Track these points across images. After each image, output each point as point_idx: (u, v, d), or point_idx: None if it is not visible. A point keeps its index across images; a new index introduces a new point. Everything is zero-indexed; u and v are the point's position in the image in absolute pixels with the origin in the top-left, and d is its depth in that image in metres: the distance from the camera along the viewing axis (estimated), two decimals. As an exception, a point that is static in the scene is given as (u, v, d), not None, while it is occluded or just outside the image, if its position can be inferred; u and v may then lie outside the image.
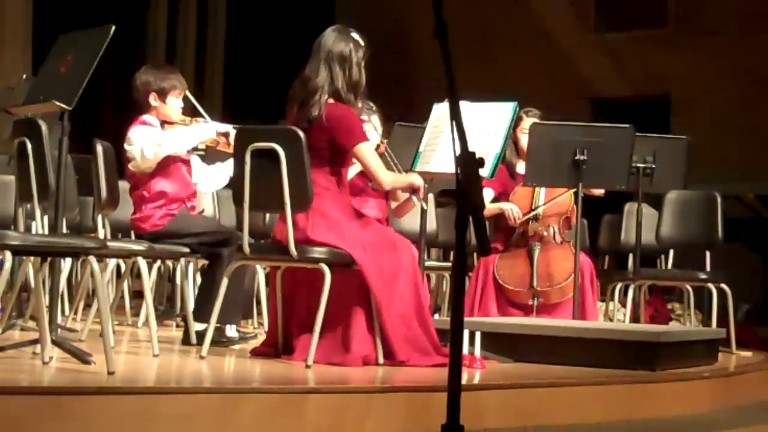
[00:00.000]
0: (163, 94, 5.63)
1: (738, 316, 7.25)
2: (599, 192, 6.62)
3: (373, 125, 5.61)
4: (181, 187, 5.60)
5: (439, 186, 5.60)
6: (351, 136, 4.87)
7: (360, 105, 5.05)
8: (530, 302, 6.50)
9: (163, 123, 5.68)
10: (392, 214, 6.15)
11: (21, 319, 5.77)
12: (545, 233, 6.68)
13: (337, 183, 4.97)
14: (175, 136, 5.55)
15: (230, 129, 5.52)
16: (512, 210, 6.68)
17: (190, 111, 5.85)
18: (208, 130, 5.63)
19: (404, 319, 4.83)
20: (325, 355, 4.77)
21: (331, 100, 4.91)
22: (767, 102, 11.40)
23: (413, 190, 5.07)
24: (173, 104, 5.67)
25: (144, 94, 5.62)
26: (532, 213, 6.67)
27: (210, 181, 5.94)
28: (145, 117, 5.62)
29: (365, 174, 5.20)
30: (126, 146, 5.54)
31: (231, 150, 5.58)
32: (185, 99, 5.74)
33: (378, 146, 5.43)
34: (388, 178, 4.99)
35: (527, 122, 6.63)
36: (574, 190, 6.31)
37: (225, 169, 5.86)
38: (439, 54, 2.68)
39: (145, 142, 5.47)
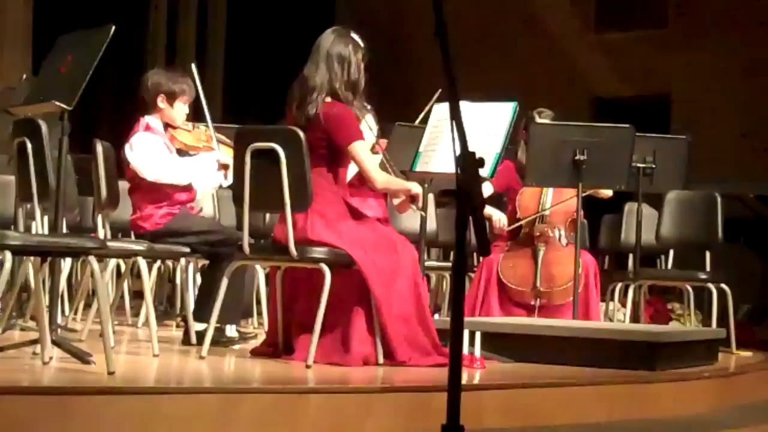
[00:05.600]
0: (172, 98, 5.64)
1: (738, 316, 7.25)
2: (607, 194, 6.61)
3: (368, 125, 5.60)
4: (182, 190, 5.60)
5: (439, 186, 5.60)
6: (346, 134, 4.87)
7: (358, 105, 5.04)
8: (533, 302, 6.50)
9: (166, 126, 5.69)
10: (394, 210, 6.14)
11: (21, 319, 5.77)
12: (551, 234, 6.67)
13: (335, 182, 4.97)
14: (179, 169, 5.56)
15: (230, 161, 5.50)
16: (500, 220, 6.73)
17: (192, 116, 5.88)
18: (211, 163, 5.66)
19: (404, 319, 4.82)
20: (325, 355, 4.77)
21: (329, 99, 4.92)
22: (767, 102, 11.40)
23: (412, 198, 5.03)
24: (179, 109, 5.68)
25: (153, 95, 5.63)
26: (539, 213, 6.67)
27: (203, 183, 5.92)
28: (149, 119, 5.62)
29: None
30: (127, 151, 5.53)
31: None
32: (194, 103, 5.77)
33: (373, 146, 5.42)
34: (380, 178, 4.97)
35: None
36: (577, 193, 6.31)
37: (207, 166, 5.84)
38: (439, 54, 2.68)
39: (148, 160, 5.47)
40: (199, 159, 5.68)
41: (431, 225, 6.83)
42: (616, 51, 12.44)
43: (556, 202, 6.66)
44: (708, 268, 6.77)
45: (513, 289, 6.53)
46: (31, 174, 4.57)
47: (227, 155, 5.61)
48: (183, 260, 5.80)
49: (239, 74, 12.82)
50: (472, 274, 6.71)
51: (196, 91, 5.74)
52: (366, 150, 4.98)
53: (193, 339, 5.43)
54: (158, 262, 7.07)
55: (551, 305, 6.50)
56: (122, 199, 5.68)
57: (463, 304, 2.83)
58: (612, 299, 7.43)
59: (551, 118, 6.71)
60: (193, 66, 5.86)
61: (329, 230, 4.85)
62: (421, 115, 6.04)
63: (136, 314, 6.82)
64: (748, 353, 6.58)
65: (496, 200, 7.04)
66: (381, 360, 4.80)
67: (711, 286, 6.63)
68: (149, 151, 5.51)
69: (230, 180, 5.60)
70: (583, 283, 6.33)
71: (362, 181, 5.54)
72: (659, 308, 8.12)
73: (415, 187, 5.00)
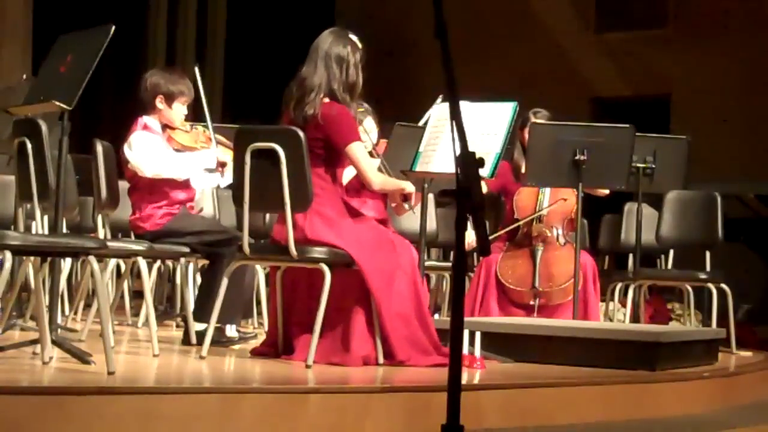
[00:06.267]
0: (170, 99, 5.64)
1: (738, 316, 7.25)
2: (604, 192, 6.62)
3: (365, 129, 5.60)
4: (182, 189, 5.60)
5: (439, 186, 5.59)
6: (344, 135, 4.87)
7: (355, 106, 5.04)
8: (532, 302, 6.50)
9: (165, 126, 5.69)
10: (393, 212, 6.14)
11: (21, 319, 5.77)
12: (549, 234, 6.67)
13: (333, 182, 4.98)
14: (178, 164, 5.57)
15: (229, 159, 5.51)
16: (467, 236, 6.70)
17: (192, 116, 5.88)
18: (210, 159, 5.66)
19: (404, 319, 4.82)
20: (325, 355, 4.77)
21: (327, 100, 4.92)
22: (767, 102, 11.40)
23: (404, 197, 5.03)
24: (178, 110, 5.69)
25: (152, 95, 5.63)
26: (537, 214, 6.67)
27: (202, 180, 5.92)
28: (147, 120, 5.63)
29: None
30: (126, 150, 5.54)
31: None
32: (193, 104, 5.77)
33: (371, 152, 5.42)
34: (377, 179, 4.97)
35: None
36: (577, 193, 6.31)
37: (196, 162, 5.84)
38: (439, 54, 2.68)
39: (147, 156, 5.48)
40: (198, 155, 5.68)
41: (431, 225, 6.83)
42: (616, 51, 12.44)
43: (553, 202, 6.67)
44: (708, 268, 6.77)
45: (512, 290, 6.53)
46: (31, 174, 4.58)
47: (226, 155, 5.62)
48: (183, 260, 5.80)
49: (239, 74, 12.81)
50: (472, 274, 6.71)
51: (197, 92, 5.74)
52: (363, 151, 4.98)
53: (193, 339, 5.43)
54: (158, 262, 7.07)
55: (550, 305, 6.50)
56: (122, 199, 5.68)
57: (463, 304, 2.83)
58: (612, 299, 7.43)
59: (547, 118, 6.71)
60: (197, 69, 5.87)
61: (329, 229, 4.85)
62: (422, 121, 6.04)
63: (136, 314, 6.82)
64: (748, 353, 6.59)
65: (491, 200, 7.04)
66: (381, 360, 4.81)
67: (711, 286, 6.63)
68: (147, 148, 5.51)
69: (228, 179, 5.61)
70: (582, 283, 6.33)
71: (361, 182, 5.54)
72: (659, 308, 8.12)
73: (408, 186, 4.99)
